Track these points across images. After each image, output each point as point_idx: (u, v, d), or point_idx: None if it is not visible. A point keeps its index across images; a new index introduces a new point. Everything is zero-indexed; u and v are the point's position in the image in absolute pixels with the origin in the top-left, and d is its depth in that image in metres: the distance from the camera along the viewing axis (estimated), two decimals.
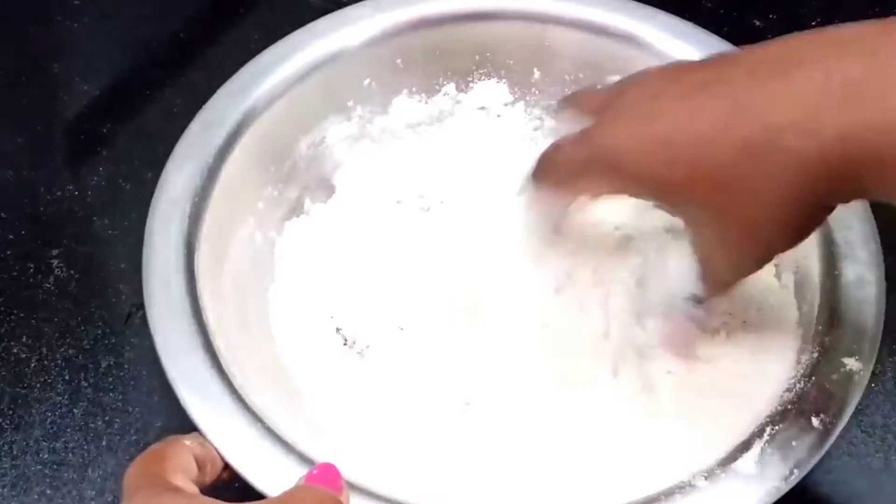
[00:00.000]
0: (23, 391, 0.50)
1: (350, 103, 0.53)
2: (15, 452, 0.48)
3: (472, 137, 0.55)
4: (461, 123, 0.55)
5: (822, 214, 0.36)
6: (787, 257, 0.45)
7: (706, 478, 0.38)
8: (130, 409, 0.49)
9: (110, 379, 0.50)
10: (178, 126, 0.48)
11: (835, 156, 0.32)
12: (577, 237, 0.46)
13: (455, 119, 0.55)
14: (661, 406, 0.45)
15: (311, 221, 0.52)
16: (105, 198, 0.57)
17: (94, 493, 0.47)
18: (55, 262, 0.55)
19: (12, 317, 0.53)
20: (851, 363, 0.41)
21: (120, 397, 0.50)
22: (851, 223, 0.44)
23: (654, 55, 0.52)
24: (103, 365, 0.51)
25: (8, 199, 0.58)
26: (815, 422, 0.39)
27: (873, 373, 0.50)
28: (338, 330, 0.48)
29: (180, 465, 0.35)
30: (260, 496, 0.36)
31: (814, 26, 0.65)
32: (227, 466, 0.37)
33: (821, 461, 0.47)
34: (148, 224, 0.44)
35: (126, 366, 0.51)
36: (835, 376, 0.41)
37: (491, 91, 0.55)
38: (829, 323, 0.42)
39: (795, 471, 0.38)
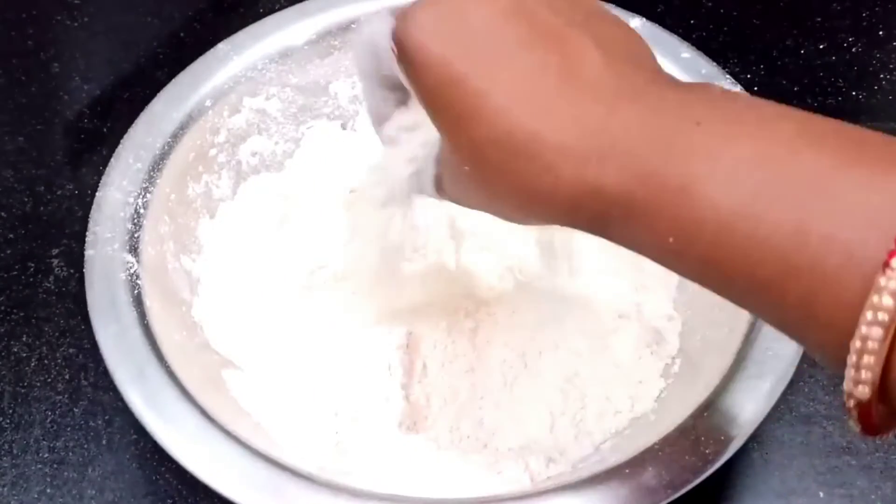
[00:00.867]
0: (23, 390, 0.50)
1: None
2: (15, 451, 0.48)
3: None
4: None
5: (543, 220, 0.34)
6: None
7: None
8: (130, 409, 0.49)
9: (110, 379, 0.50)
10: None
11: (592, 188, 0.30)
12: None
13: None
14: None
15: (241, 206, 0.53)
16: None
17: (94, 492, 0.47)
18: (55, 262, 0.55)
19: (12, 317, 0.53)
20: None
21: (120, 397, 0.49)
22: None
23: None
24: (103, 365, 0.50)
25: (8, 199, 0.58)
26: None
27: None
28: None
29: None
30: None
31: (812, 25, 0.66)
32: None
33: (821, 461, 0.48)
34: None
35: None
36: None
37: None
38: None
39: None
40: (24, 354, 0.51)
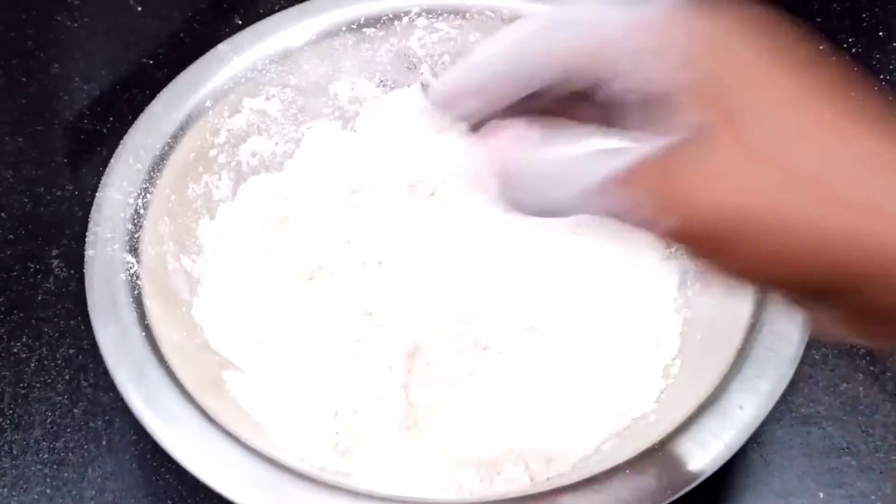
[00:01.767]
0: (23, 391, 0.50)
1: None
2: (15, 452, 0.48)
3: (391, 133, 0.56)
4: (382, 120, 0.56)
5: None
6: None
7: None
8: (130, 409, 0.49)
9: (110, 379, 0.50)
10: None
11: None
12: None
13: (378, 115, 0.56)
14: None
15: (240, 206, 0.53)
16: None
17: (94, 492, 0.47)
18: (55, 262, 0.55)
19: (12, 317, 0.53)
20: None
21: (120, 397, 0.49)
22: None
23: None
24: (103, 365, 0.50)
25: (8, 199, 0.58)
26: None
27: (873, 373, 0.51)
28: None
29: None
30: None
31: (811, 26, 0.66)
32: None
33: (821, 461, 0.48)
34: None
35: None
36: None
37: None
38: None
39: None
40: (24, 355, 0.51)
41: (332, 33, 0.54)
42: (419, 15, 0.54)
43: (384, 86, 0.55)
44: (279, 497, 0.38)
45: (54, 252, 0.55)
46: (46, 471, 0.48)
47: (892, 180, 0.27)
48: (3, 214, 0.57)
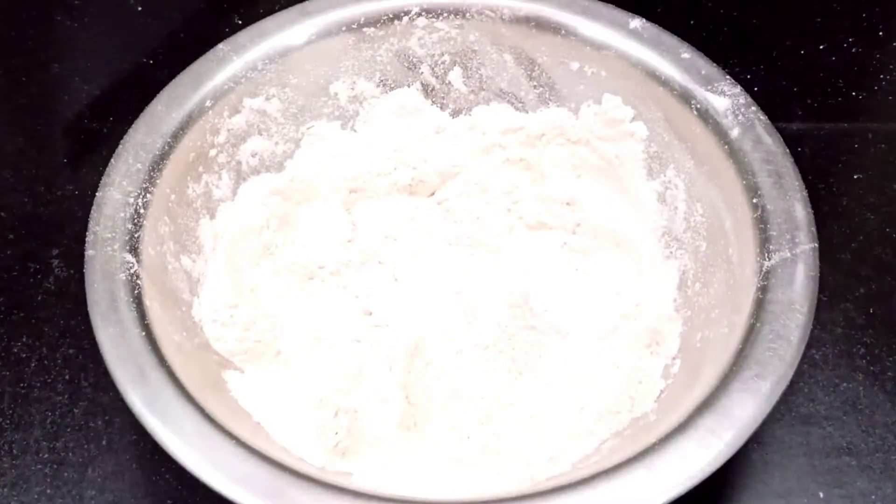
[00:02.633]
0: (23, 391, 0.50)
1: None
2: (15, 452, 0.48)
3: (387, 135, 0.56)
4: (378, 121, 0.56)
5: None
6: None
7: None
8: (130, 409, 0.49)
9: (110, 379, 0.50)
10: None
11: None
12: None
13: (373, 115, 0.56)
14: None
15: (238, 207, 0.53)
16: None
17: (94, 492, 0.47)
18: (55, 262, 0.55)
19: (12, 317, 0.53)
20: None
21: (120, 397, 0.49)
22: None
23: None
24: (103, 365, 0.50)
25: (8, 199, 0.58)
26: None
27: (873, 372, 0.51)
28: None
29: None
30: None
31: (812, 25, 0.66)
32: None
33: (821, 461, 0.48)
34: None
35: None
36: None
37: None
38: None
39: None
40: (24, 355, 0.51)
41: (332, 33, 0.54)
42: (419, 15, 0.54)
43: (384, 86, 0.55)
44: (279, 497, 0.38)
45: (54, 252, 0.55)
46: (46, 471, 0.48)
47: None
48: (3, 214, 0.57)
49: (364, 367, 0.47)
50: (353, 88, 0.55)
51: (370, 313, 0.50)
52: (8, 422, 0.49)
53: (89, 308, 0.43)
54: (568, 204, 0.54)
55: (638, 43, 0.53)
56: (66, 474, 0.48)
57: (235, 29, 0.54)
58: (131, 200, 0.46)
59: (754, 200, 0.46)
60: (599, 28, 0.53)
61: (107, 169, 0.48)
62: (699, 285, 0.48)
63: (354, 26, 0.54)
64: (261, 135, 0.53)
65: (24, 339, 0.52)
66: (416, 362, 0.48)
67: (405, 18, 0.54)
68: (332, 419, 0.45)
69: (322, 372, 0.47)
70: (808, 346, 0.43)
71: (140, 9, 0.68)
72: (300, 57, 0.53)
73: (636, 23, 0.53)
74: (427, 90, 0.56)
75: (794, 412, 0.50)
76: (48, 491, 0.47)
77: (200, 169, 0.51)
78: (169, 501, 0.47)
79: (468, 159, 0.54)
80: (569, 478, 0.40)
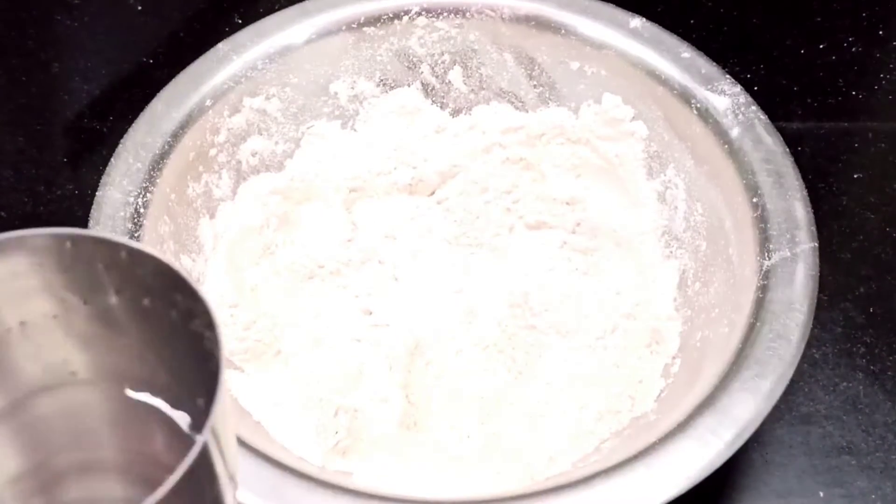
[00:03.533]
0: None
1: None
2: None
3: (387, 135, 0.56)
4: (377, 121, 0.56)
5: None
6: None
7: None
8: None
9: None
10: None
11: None
12: None
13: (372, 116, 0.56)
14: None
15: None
16: None
17: None
18: None
19: None
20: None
21: None
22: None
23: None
24: None
25: (8, 199, 0.58)
26: None
27: (873, 372, 0.51)
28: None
29: None
30: None
31: (812, 25, 0.66)
32: None
33: (821, 461, 0.48)
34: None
35: None
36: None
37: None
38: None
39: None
40: None
41: (332, 32, 0.54)
42: (419, 14, 0.54)
43: (384, 85, 0.55)
44: (280, 496, 0.38)
45: None
46: None
47: None
48: (3, 214, 0.57)
49: (364, 366, 0.47)
50: (353, 88, 0.55)
51: (370, 313, 0.50)
52: None
53: None
54: (568, 203, 0.54)
55: (638, 42, 0.53)
56: None
57: (235, 29, 0.54)
58: (131, 200, 0.46)
59: (754, 200, 0.46)
60: (599, 27, 0.53)
61: (107, 168, 0.48)
62: (699, 285, 0.48)
63: (354, 26, 0.54)
64: (261, 134, 0.53)
65: None
66: (416, 362, 0.48)
67: (405, 18, 0.54)
68: (332, 419, 0.45)
69: (322, 372, 0.47)
70: (808, 345, 0.43)
71: (140, 9, 0.68)
72: (300, 56, 0.53)
73: (636, 22, 0.53)
74: (427, 90, 0.56)
75: (794, 412, 0.50)
76: None
77: (200, 168, 0.51)
78: None
79: (468, 159, 0.54)
80: (569, 477, 0.40)
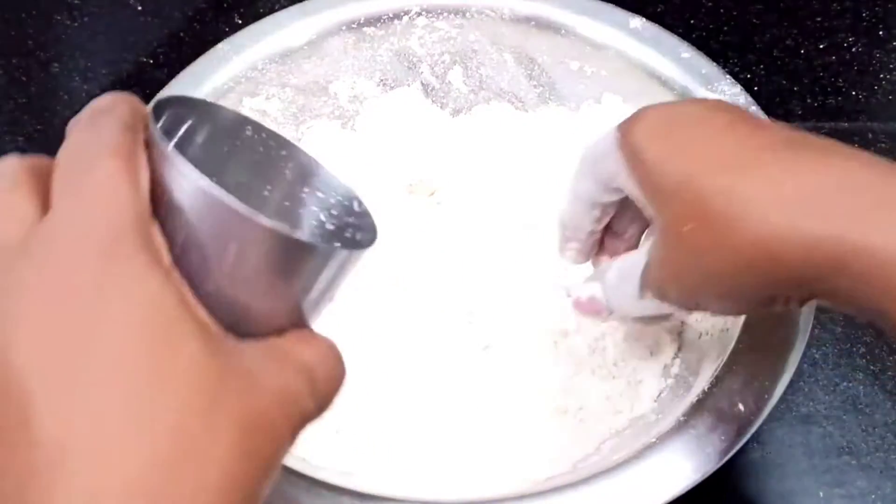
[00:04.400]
0: None
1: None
2: None
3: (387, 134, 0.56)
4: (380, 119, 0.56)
5: (775, 304, 0.36)
6: None
7: None
8: None
9: None
10: None
11: (809, 254, 0.32)
12: None
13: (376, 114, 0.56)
14: None
15: None
16: None
17: None
18: None
19: None
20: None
21: None
22: None
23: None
24: None
25: None
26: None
27: (873, 372, 0.51)
28: None
29: None
30: None
31: (812, 25, 0.66)
32: None
33: (821, 461, 0.48)
34: None
35: None
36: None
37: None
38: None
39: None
40: None
41: (332, 33, 0.54)
42: (419, 14, 0.54)
43: (384, 85, 0.55)
44: (280, 496, 0.38)
45: None
46: None
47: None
48: None
49: (365, 366, 0.47)
50: (353, 88, 0.55)
51: (370, 313, 0.50)
52: None
53: None
54: None
55: (638, 42, 0.53)
56: None
57: (235, 29, 0.54)
58: None
59: None
60: (599, 27, 0.53)
61: None
62: None
63: (354, 26, 0.54)
64: None
65: None
66: (416, 363, 0.48)
67: (405, 18, 0.54)
68: (333, 419, 0.45)
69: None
70: (808, 345, 0.43)
71: (140, 9, 0.68)
72: (300, 57, 0.53)
73: (636, 22, 0.53)
74: (427, 90, 0.56)
75: (794, 412, 0.50)
76: None
77: None
78: None
79: (468, 159, 0.54)
80: (569, 478, 0.40)
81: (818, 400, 0.50)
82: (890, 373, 0.51)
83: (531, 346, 0.48)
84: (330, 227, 0.29)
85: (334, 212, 0.29)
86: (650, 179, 0.37)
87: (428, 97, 0.56)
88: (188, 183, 0.23)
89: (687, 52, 0.52)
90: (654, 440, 0.40)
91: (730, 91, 0.50)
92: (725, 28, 0.66)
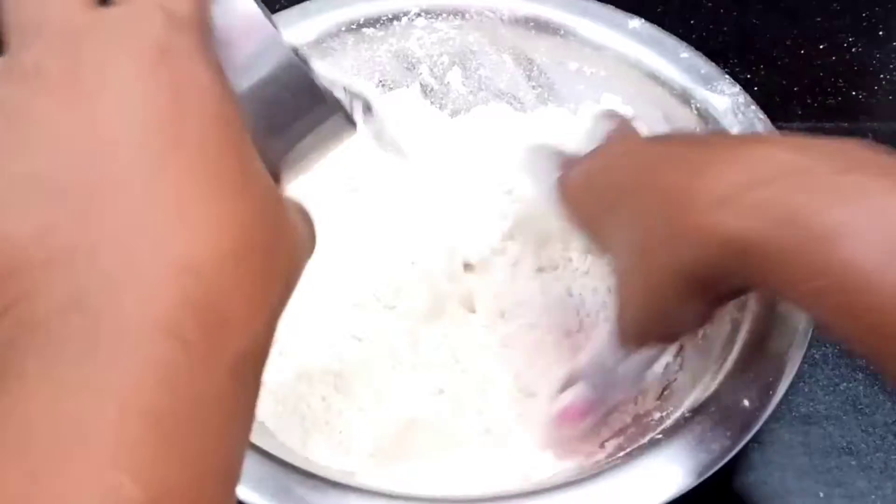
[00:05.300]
0: None
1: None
2: None
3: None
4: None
5: (717, 301, 0.38)
6: None
7: None
8: None
9: None
10: None
11: (728, 247, 0.34)
12: None
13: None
14: None
15: None
16: None
17: None
18: None
19: None
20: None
21: None
22: None
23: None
24: None
25: None
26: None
27: (873, 372, 0.51)
28: None
29: None
30: None
31: (812, 25, 0.66)
32: None
33: (821, 461, 0.48)
34: None
35: None
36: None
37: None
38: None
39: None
40: None
41: (331, 33, 0.54)
42: (418, 15, 0.54)
43: (383, 86, 0.55)
44: (285, 495, 0.38)
45: None
46: None
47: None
48: None
49: (366, 366, 0.47)
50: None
51: (371, 314, 0.50)
52: None
53: None
54: None
55: (637, 43, 0.53)
56: None
57: None
58: None
59: None
60: (598, 28, 0.53)
61: None
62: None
63: (354, 27, 0.54)
64: None
65: None
66: (416, 361, 0.48)
67: (404, 19, 0.54)
68: (336, 418, 0.45)
69: (324, 371, 0.47)
70: (809, 345, 0.43)
71: None
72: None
73: (635, 23, 0.53)
74: (426, 91, 0.56)
75: (794, 412, 0.50)
76: None
77: None
78: None
79: (467, 160, 0.54)
80: (573, 475, 0.40)
81: (818, 400, 0.50)
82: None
83: (533, 343, 0.48)
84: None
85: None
86: (588, 233, 0.42)
87: (427, 98, 0.56)
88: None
89: (686, 52, 0.52)
90: (656, 438, 0.40)
91: (729, 91, 0.50)
92: (725, 28, 0.66)
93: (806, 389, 0.50)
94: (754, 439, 0.44)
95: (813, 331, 0.43)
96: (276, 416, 0.44)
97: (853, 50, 0.65)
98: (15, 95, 0.22)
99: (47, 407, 0.19)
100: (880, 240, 0.29)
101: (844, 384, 0.51)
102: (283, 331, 0.47)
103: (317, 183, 0.52)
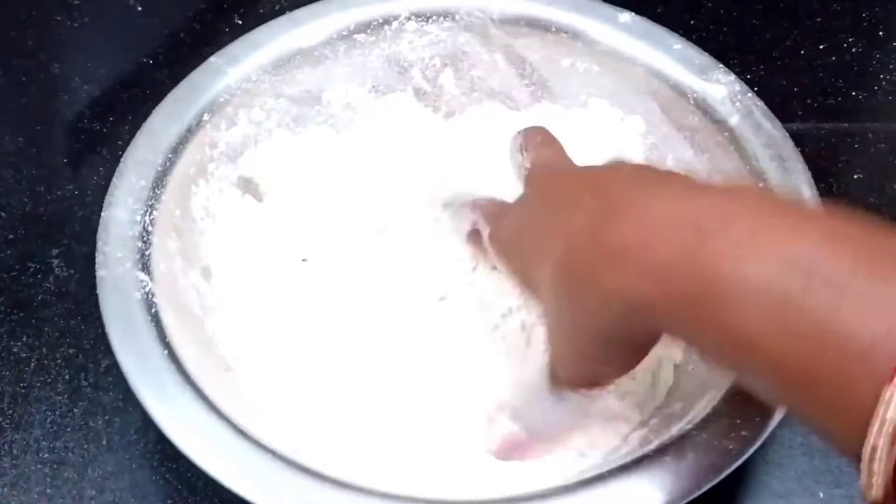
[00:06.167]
0: (23, 391, 0.50)
1: None
2: (15, 452, 0.48)
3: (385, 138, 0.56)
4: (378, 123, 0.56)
5: (641, 349, 0.38)
6: None
7: None
8: (130, 409, 0.49)
9: (110, 379, 0.50)
10: None
11: (630, 307, 0.34)
12: None
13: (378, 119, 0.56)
14: None
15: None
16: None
17: (94, 492, 0.47)
18: (55, 262, 0.55)
19: (12, 317, 0.53)
20: None
21: (120, 397, 0.50)
22: None
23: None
24: (103, 365, 0.51)
25: (8, 199, 0.58)
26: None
27: None
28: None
29: None
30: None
31: (812, 26, 0.66)
32: None
33: (821, 461, 0.48)
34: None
35: None
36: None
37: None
38: None
39: None
40: (24, 355, 0.51)
41: (323, 41, 0.53)
42: (408, 19, 0.54)
43: (376, 91, 0.55)
44: (284, 493, 0.38)
45: (54, 252, 0.55)
46: (46, 471, 0.48)
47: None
48: (3, 214, 0.57)
49: (366, 365, 0.47)
50: (345, 96, 0.55)
51: (370, 315, 0.50)
52: (8, 422, 0.49)
53: (107, 329, 0.42)
54: None
55: (629, 36, 0.53)
56: (66, 474, 0.48)
57: (235, 29, 0.54)
58: (138, 219, 0.46)
59: (760, 185, 0.46)
60: (589, 23, 0.54)
61: (109, 188, 0.47)
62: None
63: (345, 33, 0.54)
64: (257, 145, 0.53)
65: (24, 339, 0.52)
66: (416, 361, 0.48)
67: (395, 23, 0.54)
68: (339, 418, 0.45)
69: (325, 370, 0.47)
70: None
71: (140, 9, 0.68)
72: (292, 66, 0.53)
73: (625, 17, 0.53)
74: (419, 94, 0.56)
75: None
76: (48, 491, 0.47)
77: (202, 182, 0.50)
78: (169, 501, 0.47)
79: (462, 161, 0.54)
80: (599, 470, 0.39)
81: None
82: None
83: (535, 342, 0.48)
84: None
85: None
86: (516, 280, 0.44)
87: (420, 101, 0.56)
88: None
89: (678, 43, 0.52)
90: (677, 435, 0.39)
91: (725, 80, 0.50)
92: (725, 28, 0.66)
93: None
94: None
95: None
96: (281, 414, 0.45)
97: (853, 50, 0.65)
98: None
99: None
100: (763, 298, 0.30)
101: None
102: (290, 334, 0.48)
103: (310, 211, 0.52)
